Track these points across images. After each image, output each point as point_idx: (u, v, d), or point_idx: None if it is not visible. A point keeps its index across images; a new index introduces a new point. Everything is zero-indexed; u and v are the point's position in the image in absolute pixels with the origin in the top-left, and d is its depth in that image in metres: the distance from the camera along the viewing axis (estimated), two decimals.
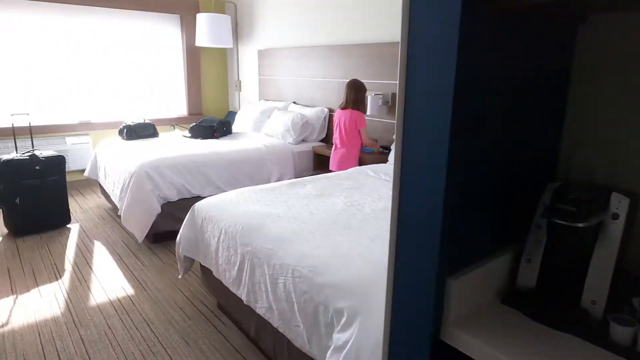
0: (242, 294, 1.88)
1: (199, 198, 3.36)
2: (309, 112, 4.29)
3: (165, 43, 5.29)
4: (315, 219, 2.00)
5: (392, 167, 0.97)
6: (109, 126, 4.94)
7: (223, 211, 2.15)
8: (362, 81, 3.41)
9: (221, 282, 2.07)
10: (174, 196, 3.25)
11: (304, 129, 4.15)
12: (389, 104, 3.63)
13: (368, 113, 3.65)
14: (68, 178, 4.70)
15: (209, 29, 4.95)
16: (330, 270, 1.53)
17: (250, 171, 3.69)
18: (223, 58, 5.80)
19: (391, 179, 0.87)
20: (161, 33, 5.24)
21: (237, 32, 5.49)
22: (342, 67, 4.05)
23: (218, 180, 3.49)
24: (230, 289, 1.99)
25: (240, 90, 5.68)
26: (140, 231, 3.11)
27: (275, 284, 1.66)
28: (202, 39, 4.99)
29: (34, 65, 4.45)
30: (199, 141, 4.04)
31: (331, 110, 4.27)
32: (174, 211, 3.27)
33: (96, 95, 4.90)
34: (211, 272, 2.17)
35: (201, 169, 3.41)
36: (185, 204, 3.32)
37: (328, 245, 1.72)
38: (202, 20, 4.96)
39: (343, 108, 3.40)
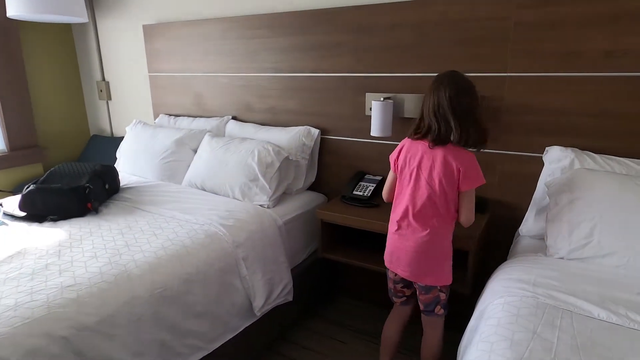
0: None
1: None
2: (279, 138, 2.27)
3: None
4: None
5: None
6: None
7: None
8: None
9: None
10: None
11: (285, 172, 2.14)
12: None
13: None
14: None
15: None
16: None
17: (206, 305, 1.55)
18: (67, 41, 3.25)
19: None
20: None
21: None
22: (349, 48, 2.13)
23: None
24: None
25: (109, 98, 3.24)
26: None
27: None
28: (20, 6, 2.46)
29: None
30: (49, 233, 1.69)
31: (325, 132, 2.32)
32: None
33: None
34: None
35: (75, 348, 1.18)
36: None
37: None
38: None
39: (422, 138, 1.50)
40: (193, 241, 1.63)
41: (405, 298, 1.67)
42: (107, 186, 2.08)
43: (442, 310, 1.57)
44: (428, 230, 1.47)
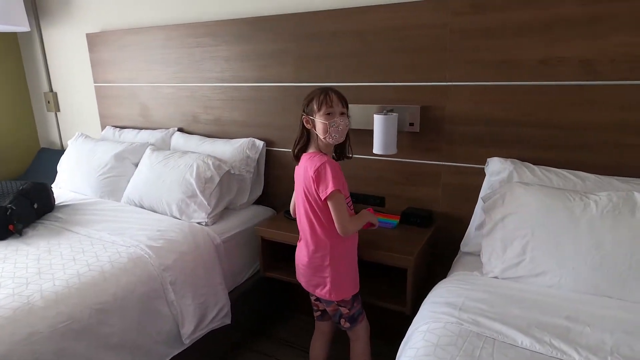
0: None
1: None
2: (223, 150, 2.17)
3: None
4: None
5: None
6: None
7: None
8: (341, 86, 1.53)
9: None
10: None
11: (227, 187, 2.04)
12: (413, 126, 1.82)
13: (377, 150, 1.78)
14: None
15: None
16: None
17: (124, 335, 1.44)
18: (13, 51, 3.11)
19: None
20: None
21: (35, 1, 2.91)
22: (291, 57, 2.05)
23: None
24: None
25: (58, 109, 3.11)
26: None
27: None
28: None
29: None
30: None
31: (270, 144, 2.23)
32: None
33: None
34: None
35: None
36: None
37: None
38: None
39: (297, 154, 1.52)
40: (113, 266, 1.52)
41: (320, 312, 1.62)
42: (35, 205, 1.96)
43: (347, 324, 1.53)
44: (309, 243, 1.47)
